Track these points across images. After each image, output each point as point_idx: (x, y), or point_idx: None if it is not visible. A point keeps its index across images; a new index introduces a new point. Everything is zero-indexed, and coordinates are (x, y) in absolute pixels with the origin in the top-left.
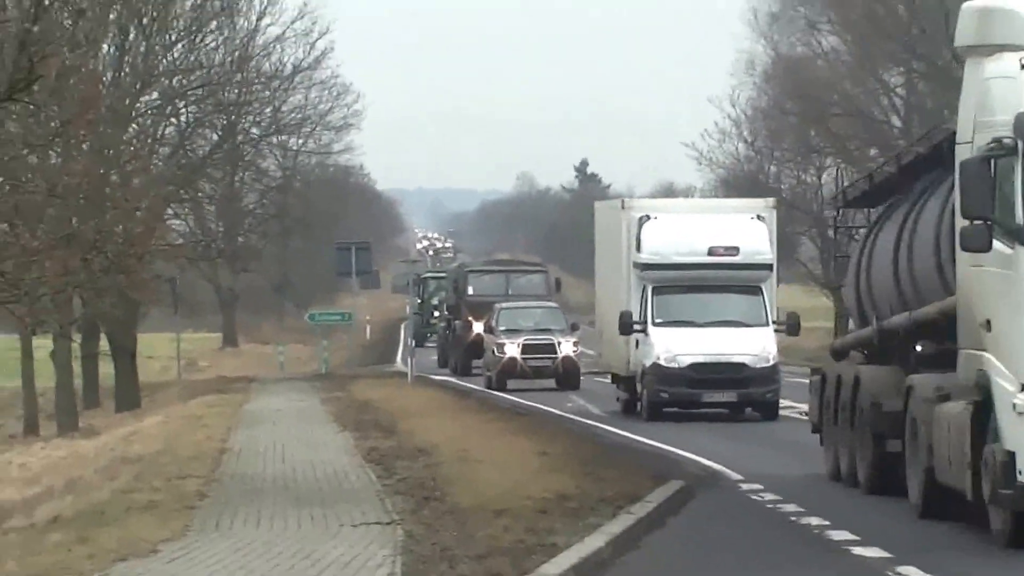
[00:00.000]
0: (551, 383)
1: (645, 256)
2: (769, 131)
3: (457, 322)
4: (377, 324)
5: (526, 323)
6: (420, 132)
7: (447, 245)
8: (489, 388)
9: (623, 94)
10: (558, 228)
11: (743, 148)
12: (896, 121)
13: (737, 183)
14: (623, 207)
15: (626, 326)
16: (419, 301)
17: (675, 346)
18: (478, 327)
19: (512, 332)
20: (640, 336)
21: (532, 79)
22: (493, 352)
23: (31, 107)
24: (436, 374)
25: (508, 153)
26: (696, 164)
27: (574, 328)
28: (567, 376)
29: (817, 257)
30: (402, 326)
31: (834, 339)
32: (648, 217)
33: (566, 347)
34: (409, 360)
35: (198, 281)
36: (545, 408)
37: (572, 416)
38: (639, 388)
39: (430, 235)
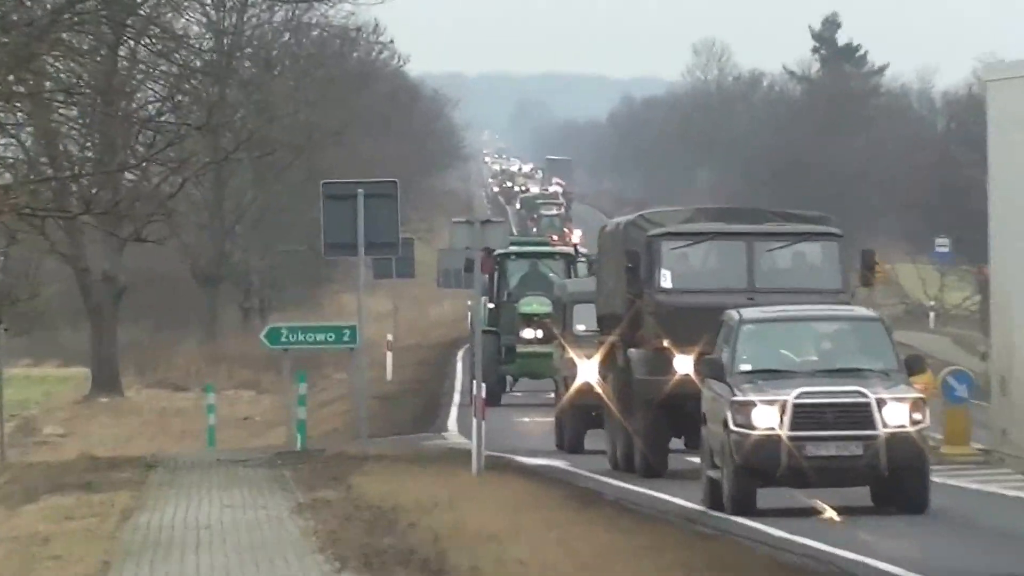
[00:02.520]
0: (858, 494)
1: None
2: None
3: (634, 352)
4: (409, 351)
5: (804, 354)
6: None
7: (551, 189)
8: (712, 508)
9: None
10: (787, 154)
11: None
12: None
13: None
14: None
15: None
16: (491, 305)
17: None
18: (684, 363)
19: (772, 377)
20: None
21: None
22: (727, 423)
23: None
24: (540, 456)
25: (671, 12)
26: None
27: (913, 366)
28: (899, 478)
29: None
30: (459, 355)
31: None
32: None
33: (895, 412)
34: (474, 425)
35: (45, 261)
36: (770, 531)
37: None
38: None
39: (514, 166)
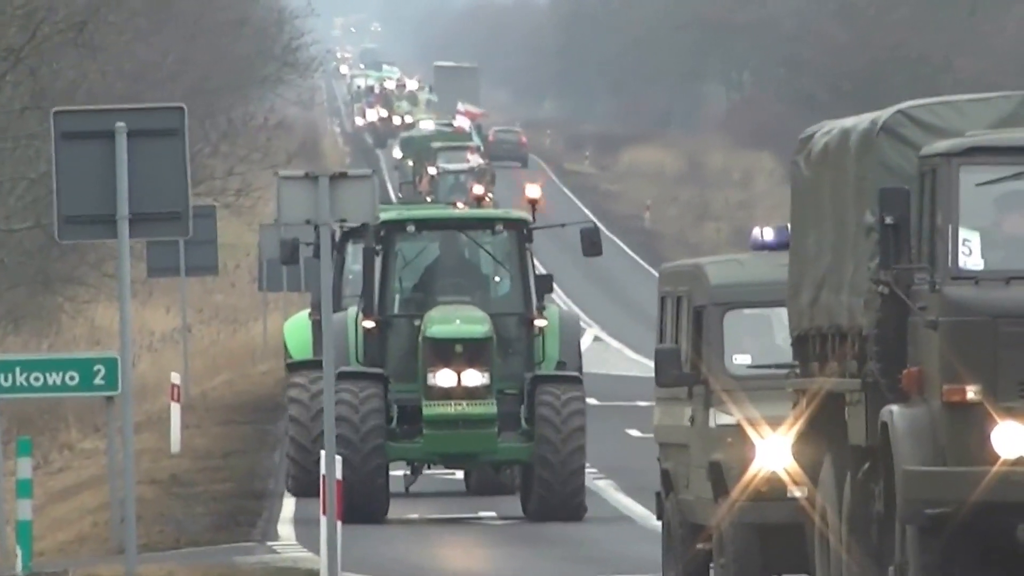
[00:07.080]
0: None
1: None
2: None
3: (898, 412)
4: (212, 401)
5: None
6: None
7: (457, 122)
8: None
9: None
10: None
11: None
12: None
13: None
14: None
15: None
16: (369, 323)
17: None
18: (1011, 436)
19: None
20: None
21: None
22: None
23: None
24: None
25: None
26: None
27: None
28: None
29: None
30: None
31: None
32: None
33: None
34: (324, 530)
35: None
36: None
37: None
38: None
39: (390, 80)
